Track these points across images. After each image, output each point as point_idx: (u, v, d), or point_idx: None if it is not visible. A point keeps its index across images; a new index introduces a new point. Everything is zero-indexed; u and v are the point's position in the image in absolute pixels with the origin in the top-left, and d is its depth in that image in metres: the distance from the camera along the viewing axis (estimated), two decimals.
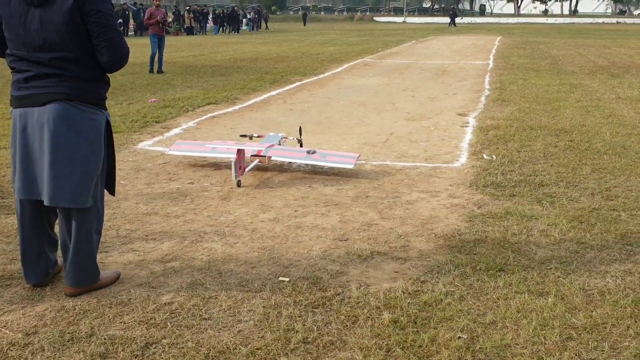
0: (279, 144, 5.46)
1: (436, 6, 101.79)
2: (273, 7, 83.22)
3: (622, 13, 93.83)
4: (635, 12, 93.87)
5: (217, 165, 5.39)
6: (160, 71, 13.41)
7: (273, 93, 10.44)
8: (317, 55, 18.71)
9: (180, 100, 9.27)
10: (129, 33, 33.15)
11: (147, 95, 9.88)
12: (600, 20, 73.85)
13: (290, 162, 5.40)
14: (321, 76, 13.12)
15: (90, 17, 2.47)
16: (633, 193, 4.48)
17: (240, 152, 4.73)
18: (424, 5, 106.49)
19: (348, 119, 7.85)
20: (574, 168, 5.19)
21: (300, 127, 5.99)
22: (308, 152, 5.17)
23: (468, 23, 69.46)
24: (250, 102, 9.41)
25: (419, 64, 15.99)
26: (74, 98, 2.56)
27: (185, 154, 5.51)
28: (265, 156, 5.07)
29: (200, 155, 5.52)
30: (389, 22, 76.18)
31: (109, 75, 2.72)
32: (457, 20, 55.44)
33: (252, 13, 47.38)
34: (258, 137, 5.85)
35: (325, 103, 9.27)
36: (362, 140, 6.51)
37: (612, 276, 3.04)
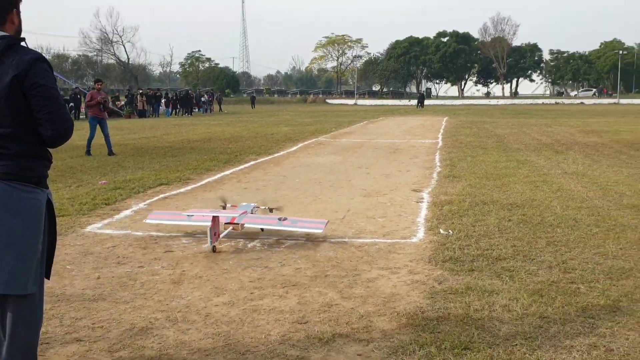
0: (252, 212, 5.66)
1: (385, 89, 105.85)
2: (227, 90, 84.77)
3: (559, 94, 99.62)
4: (572, 94, 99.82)
5: (169, 247, 5.20)
6: (110, 153, 13.19)
7: (227, 172, 10.37)
8: (271, 135, 18.92)
9: (131, 181, 9.07)
10: (80, 117, 32.89)
11: (97, 177, 9.63)
12: (539, 101, 78.00)
13: (263, 229, 5.62)
14: (276, 155, 13.19)
15: (32, 90, 2.37)
16: (589, 265, 4.51)
17: (215, 219, 4.94)
18: (374, 88, 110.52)
19: (304, 197, 7.81)
20: (529, 242, 5.23)
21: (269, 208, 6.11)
22: (279, 219, 5.39)
23: (415, 105, 72.22)
24: (204, 182, 9.29)
25: (372, 143, 16.34)
26: (13, 177, 2.40)
27: (162, 222, 5.70)
28: (238, 223, 5.27)
29: (176, 224, 5.69)
30: (341, 104, 78.49)
31: (51, 152, 2.58)
32: (405, 102, 57.70)
33: (205, 96, 48.05)
34: (232, 206, 5.97)
35: (280, 181, 9.25)
36: (320, 217, 6.44)
37: (577, 350, 2.98)
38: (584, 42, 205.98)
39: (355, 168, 10.86)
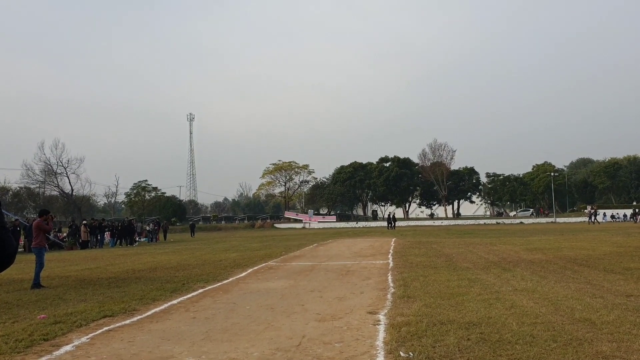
0: None
1: (332, 212, 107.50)
2: (173, 219, 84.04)
3: (499, 215, 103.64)
4: (511, 214, 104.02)
5: None
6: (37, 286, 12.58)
7: (174, 302, 9.94)
8: (219, 262, 18.54)
9: (73, 314, 8.53)
10: (19, 249, 31.58)
11: (36, 311, 9.04)
12: (481, 221, 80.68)
13: None
14: (225, 282, 12.82)
15: None
16: None
17: None
18: (321, 212, 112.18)
19: (256, 324, 7.49)
20: None
21: None
22: None
23: (364, 227, 73.44)
24: (150, 312, 8.83)
25: (323, 265, 16.21)
26: None
27: None
28: None
29: None
30: (290, 227, 78.90)
31: None
32: (353, 224, 58.57)
33: (151, 225, 47.34)
34: None
35: (230, 309, 8.90)
36: (274, 345, 6.15)
37: None
38: (518, 165, 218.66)
39: (308, 292, 10.63)
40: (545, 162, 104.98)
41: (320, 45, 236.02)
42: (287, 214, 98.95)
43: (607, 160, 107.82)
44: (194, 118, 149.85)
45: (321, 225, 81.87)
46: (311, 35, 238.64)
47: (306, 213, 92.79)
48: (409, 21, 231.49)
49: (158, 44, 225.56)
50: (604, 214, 68.59)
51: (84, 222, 38.03)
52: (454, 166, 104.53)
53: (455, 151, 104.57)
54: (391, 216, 60.69)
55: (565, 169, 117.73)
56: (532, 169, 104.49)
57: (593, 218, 60.82)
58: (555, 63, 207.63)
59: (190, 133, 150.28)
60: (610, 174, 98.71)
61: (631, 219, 64.54)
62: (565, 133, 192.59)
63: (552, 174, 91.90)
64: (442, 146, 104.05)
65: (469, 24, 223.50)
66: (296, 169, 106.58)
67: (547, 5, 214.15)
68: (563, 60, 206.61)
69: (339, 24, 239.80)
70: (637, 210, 67.13)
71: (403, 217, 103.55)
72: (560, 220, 73.43)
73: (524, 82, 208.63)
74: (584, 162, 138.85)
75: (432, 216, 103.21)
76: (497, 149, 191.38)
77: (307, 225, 57.54)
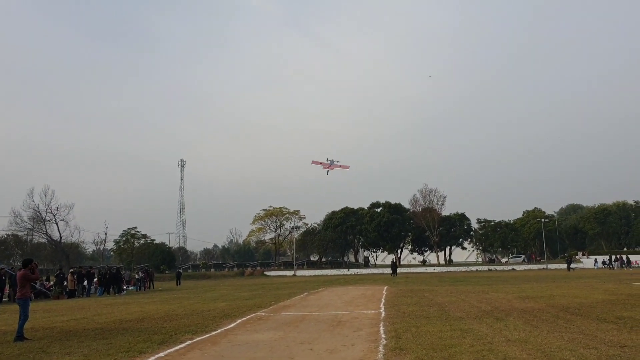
0: None
1: (324, 259, 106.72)
2: (162, 267, 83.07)
3: (491, 261, 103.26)
4: (503, 260, 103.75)
5: None
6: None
7: (161, 354, 9.71)
8: (208, 312, 18.22)
9: None
10: (4, 299, 30.93)
11: None
12: (473, 268, 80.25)
13: None
14: (213, 333, 12.57)
15: None
16: None
17: None
18: (312, 258, 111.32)
19: None
20: None
21: None
22: None
23: (355, 274, 72.83)
24: None
25: (314, 316, 15.96)
26: None
27: None
28: None
29: None
30: (280, 275, 78.09)
31: None
32: (344, 271, 58.09)
33: (139, 273, 46.72)
34: None
35: None
36: None
37: None
38: (508, 211, 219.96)
39: (298, 344, 10.43)
40: (536, 208, 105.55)
41: (313, 93, 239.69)
42: None
43: (596, 206, 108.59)
44: (184, 164, 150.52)
45: (312, 273, 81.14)
46: (304, 82, 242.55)
47: (296, 261, 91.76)
48: (400, 72, 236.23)
49: (149, 89, 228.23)
50: (595, 260, 68.44)
51: (71, 270, 37.45)
52: (445, 212, 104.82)
53: (446, 197, 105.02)
54: (394, 262, 62.80)
55: (555, 215, 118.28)
56: (523, 215, 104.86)
57: (574, 265, 61.25)
58: (546, 112, 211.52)
59: (181, 179, 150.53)
60: (600, 220, 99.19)
61: (608, 265, 64.56)
62: (555, 179, 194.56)
63: (543, 220, 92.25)
64: (433, 192, 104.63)
65: (461, 73, 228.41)
66: (287, 215, 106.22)
67: (542, 58, 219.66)
68: (554, 110, 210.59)
69: (331, 74, 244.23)
70: (615, 256, 67.29)
71: (395, 263, 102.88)
72: (551, 266, 73.29)
73: (514, 130, 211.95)
74: (573, 208, 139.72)
75: (424, 263, 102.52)
76: (488, 195, 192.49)
77: (328, 171, 51.59)
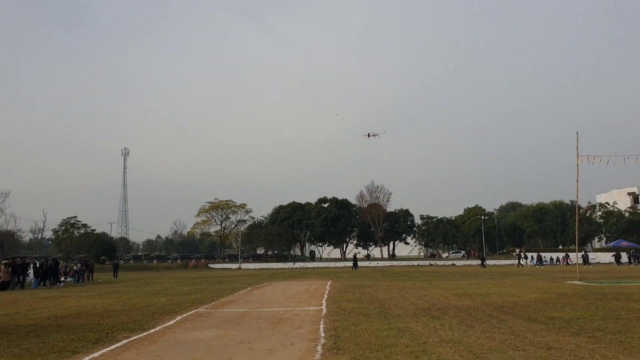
0: None
1: (270, 252, 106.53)
2: (102, 257, 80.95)
3: (432, 256, 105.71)
4: (444, 255, 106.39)
5: None
6: None
7: (96, 354, 9.49)
8: (147, 308, 17.91)
9: None
10: None
11: None
12: (415, 262, 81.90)
13: None
14: (151, 331, 12.37)
15: None
16: None
17: None
18: (258, 251, 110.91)
19: None
20: None
21: None
22: None
23: (301, 267, 73.08)
24: None
25: (255, 312, 15.94)
26: None
27: None
28: None
29: None
30: (225, 268, 77.44)
31: None
32: (290, 264, 58.28)
33: (78, 264, 45.35)
34: None
35: None
36: None
37: None
38: (451, 208, 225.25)
39: (237, 343, 10.40)
40: (476, 205, 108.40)
41: (259, 82, 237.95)
42: None
43: (534, 204, 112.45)
44: (128, 153, 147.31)
45: (257, 266, 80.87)
46: (252, 73, 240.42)
47: (242, 254, 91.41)
48: (348, 66, 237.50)
49: (89, 75, 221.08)
50: (532, 257, 71.03)
51: (5, 261, 35.97)
52: (390, 208, 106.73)
53: (391, 193, 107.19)
54: (355, 256, 65.00)
55: (495, 212, 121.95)
56: (464, 212, 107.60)
57: (524, 261, 63.41)
58: (487, 116, 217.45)
59: (124, 168, 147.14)
60: (538, 218, 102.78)
61: (537, 263, 67.22)
62: (496, 177, 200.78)
63: (483, 217, 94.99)
64: (379, 188, 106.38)
65: (406, 70, 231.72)
66: (233, 208, 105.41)
67: (483, 55, 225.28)
68: (493, 114, 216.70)
69: (282, 66, 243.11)
70: (522, 252, 70.32)
71: (340, 257, 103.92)
72: (490, 262, 75.61)
73: (454, 128, 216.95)
74: (512, 206, 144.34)
75: (368, 257, 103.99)
76: (432, 192, 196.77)
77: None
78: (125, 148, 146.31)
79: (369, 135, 79.95)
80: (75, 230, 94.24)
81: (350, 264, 62.82)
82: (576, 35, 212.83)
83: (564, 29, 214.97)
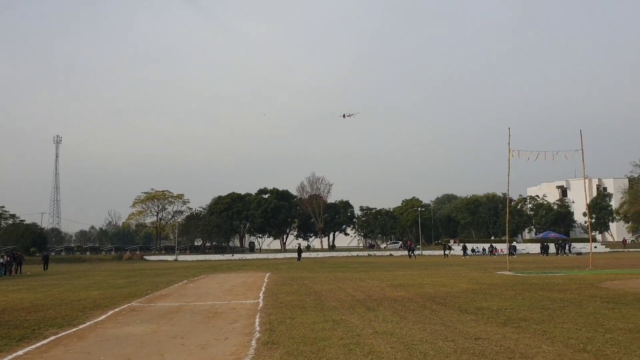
0: None
1: (208, 244, 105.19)
2: (32, 249, 77.72)
3: (371, 247, 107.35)
4: (382, 246, 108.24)
5: None
6: None
7: (20, 353, 9.11)
8: (78, 302, 17.35)
9: None
10: None
11: None
12: (355, 253, 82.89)
13: None
14: (81, 327, 12.00)
15: None
16: None
17: None
18: (196, 243, 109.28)
19: None
20: None
21: None
22: None
23: (240, 259, 72.59)
24: None
25: (190, 306, 15.73)
26: None
27: None
28: None
29: None
30: (161, 260, 75.92)
31: None
32: (228, 256, 57.72)
33: (5, 257, 43.37)
34: None
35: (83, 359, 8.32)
36: None
37: None
38: (389, 200, 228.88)
39: (170, 338, 10.23)
40: (414, 197, 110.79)
41: (198, 68, 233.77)
42: None
43: (468, 197, 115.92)
44: (60, 140, 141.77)
45: (195, 258, 79.77)
46: (195, 60, 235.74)
47: (178, 245, 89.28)
48: (293, 60, 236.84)
49: (16, 57, 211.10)
50: (465, 247, 73.33)
51: None
52: (331, 199, 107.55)
53: (332, 185, 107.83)
54: (300, 247, 67.27)
55: (431, 204, 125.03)
56: (402, 203, 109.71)
57: (448, 251, 65.99)
58: (423, 107, 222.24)
59: (56, 156, 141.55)
60: (471, 210, 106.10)
61: (489, 253, 69.61)
62: (432, 170, 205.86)
63: (419, 209, 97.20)
64: (320, 180, 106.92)
65: (346, 65, 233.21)
66: (170, 199, 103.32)
67: (420, 51, 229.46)
68: (432, 107, 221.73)
69: (228, 56, 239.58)
70: (492, 245, 72.78)
71: (280, 248, 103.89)
72: (426, 252, 77.46)
73: (392, 122, 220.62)
74: (448, 198, 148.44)
75: (308, 248, 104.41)
76: (371, 184, 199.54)
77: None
78: (58, 135, 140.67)
79: (344, 116, 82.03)
80: (3, 221, 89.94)
81: (293, 255, 63.14)
82: (507, 27, 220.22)
83: (493, 23, 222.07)
